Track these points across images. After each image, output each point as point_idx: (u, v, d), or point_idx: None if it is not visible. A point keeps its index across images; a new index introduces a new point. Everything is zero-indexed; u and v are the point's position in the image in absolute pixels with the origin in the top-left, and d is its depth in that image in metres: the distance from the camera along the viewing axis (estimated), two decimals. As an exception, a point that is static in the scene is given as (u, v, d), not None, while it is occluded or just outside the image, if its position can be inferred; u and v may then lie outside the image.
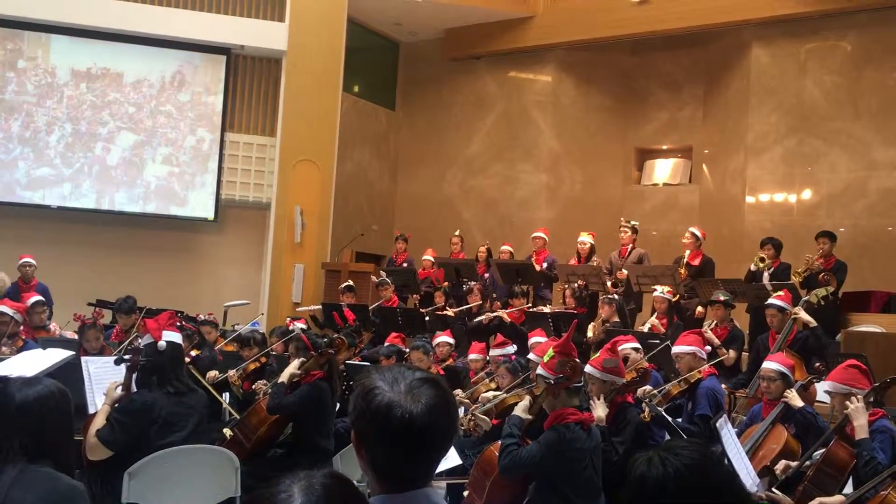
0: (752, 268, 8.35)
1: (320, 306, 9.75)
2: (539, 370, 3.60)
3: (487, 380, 6.32)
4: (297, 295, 11.41)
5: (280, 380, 4.90)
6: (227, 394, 6.73)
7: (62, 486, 2.21)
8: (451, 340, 7.75)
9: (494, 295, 9.67)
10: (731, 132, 11.66)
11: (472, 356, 7.13)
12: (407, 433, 1.59)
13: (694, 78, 12.41)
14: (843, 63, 10.77)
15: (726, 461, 3.47)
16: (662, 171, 12.80)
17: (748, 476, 3.49)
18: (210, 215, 11.67)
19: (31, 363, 4.71)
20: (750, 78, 11.30)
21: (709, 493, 1.44)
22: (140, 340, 4.76)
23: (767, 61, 11.22)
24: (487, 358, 6.97)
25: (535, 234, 10.08)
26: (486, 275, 10.12)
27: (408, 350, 7.18)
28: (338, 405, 5.54)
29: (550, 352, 3.53)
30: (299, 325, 7.59)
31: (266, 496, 1.29)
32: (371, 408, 1.62)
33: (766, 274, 8.35)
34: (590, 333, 7.99)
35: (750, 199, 11.19)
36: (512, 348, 6.87)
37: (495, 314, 8.76)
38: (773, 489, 3.63)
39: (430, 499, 1.66)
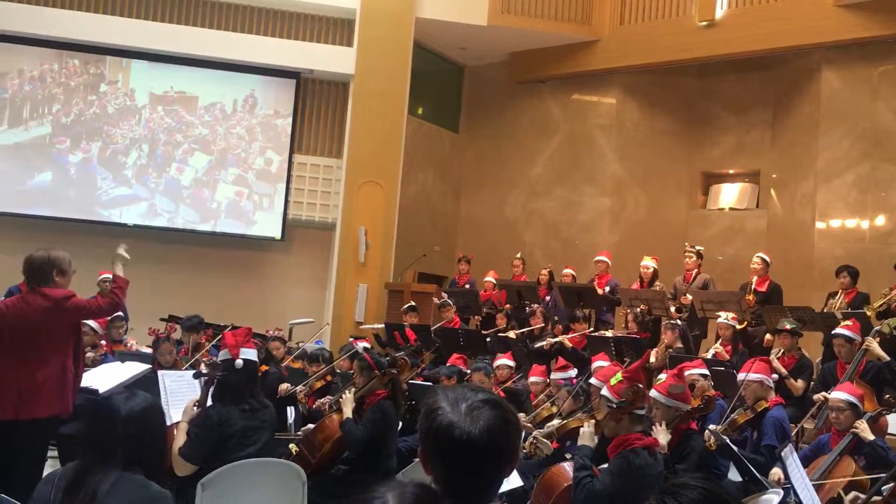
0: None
1: (383, 325, 9.88)
2: (604, 392, 3.61)
3: (548, 403, 6.32)
4: (360, 314, 11.57)
5: (346, 416, 4.99)
6: (293, 409, 6.89)
7: (151, 493, 2.34)
8: (512, 363, 7.77)
9: (556, 318, 9.65)
10: (801, 157, 11.44)
11: (532, 379, 7.15)
12: (465, 453, 1.65)
13: (762, 101, 12.24)
14: (918, 87, 10.51)
15: (792, 493, 3.43)
16: (729, 195, 12.62)
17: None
18: (277, 234, 11.97)
19: (110, 376, 4.92)
20: (820, 102, 11.09)
21: None
22: (218, 355, 4.92)
23: (838, 85, 11.01)
24: (548, 381, 6.98)
25: (597, 258, 10.05)
26: (548, 298, 10.12)
27: (469, 371, 7.24)
28: (400, 424, 5.62)
29: (619, 375, 3.55)
30: (362, 344, 7.72)
31: (362, 500, 1.34)
32: (433, 427, 1.70)
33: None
34: (652, 359, 7.91)
35: (820, 225, 10.95)
36: (573, 372, 6.87)
37: (556, 340, 8.73)
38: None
39: None
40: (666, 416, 4.02)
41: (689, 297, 8.76)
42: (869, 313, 7.48)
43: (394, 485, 1.38)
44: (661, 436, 3.89)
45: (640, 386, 3.49)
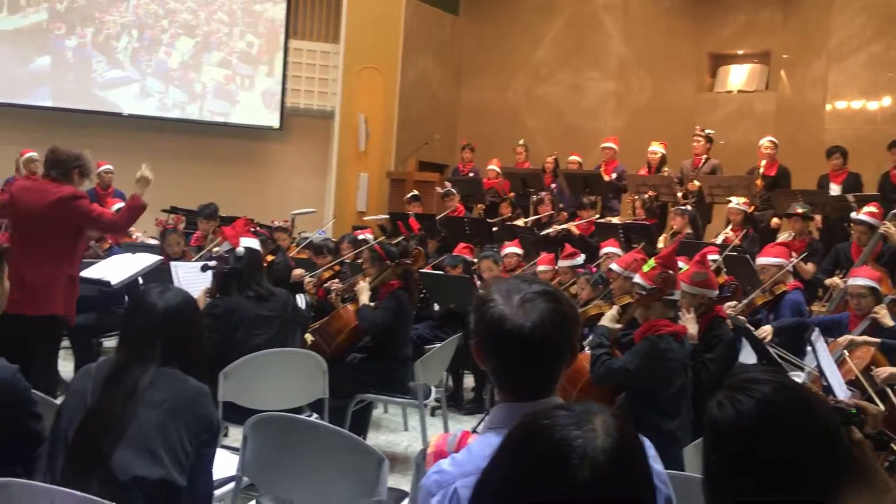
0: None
1: (388, 216, 9.79)
2: (637, 279, 3.57)
3: (560, 290, 6.28)
4: (362, 204, 11.47)
5: (361, 303, 4.95)
6: (302, 296, 6.87)
7: (190, 387, 2.29)
8: (520, 251, 7.72)
9: (561, 205, 9.57)
10: (813, 36, 11.10)
11: (540, 267, 7.09)
12: (516, 346, 1.59)
13: (775, -23, 11.78)
14: (940, -40, 10.09)
15: (821, 375, 3.44)
16: (737, 77, 12.32)
17: (840, 389, 3.46)
18: (275, 123, 11.72)
19: (121, 267, 4.86)
20: (836, -23, 10.68)
21: (788, 424, 1.38)
22: (220, 247, 4.86)
23: (856, -41, 10.57)
24: (556, 268, 6.95)
25: (604, 144, 9.87)
26: (553, 185, 10.00)
27: (476, 260, 7.20)
28: (413, 313, 5.60)
29: (652, 262, 3.49)
30: (365, 234, 7.63)
31: (562, 422, 1.19)
32: (484, 319, 1.63)
33: (832, 185, 8.16)
34: (660, 245, 7.88)
35: (830, 107, 10.74)
36: (580, 259, 6.83)
37: (563, 226, 8.66)
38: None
39: None
40: (692, 304, 3.98)
41: (697, 182, 8.65)
42: None
43: (594, 408, 1.22)
44: (690, 324, 3.86)
45: (672, 272, 3.44)
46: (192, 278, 4.68)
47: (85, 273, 4.82)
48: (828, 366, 3.45)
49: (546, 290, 1.66)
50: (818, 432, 1.39)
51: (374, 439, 5.27)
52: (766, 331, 4.55)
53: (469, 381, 6.41)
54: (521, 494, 1.17)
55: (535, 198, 9.28)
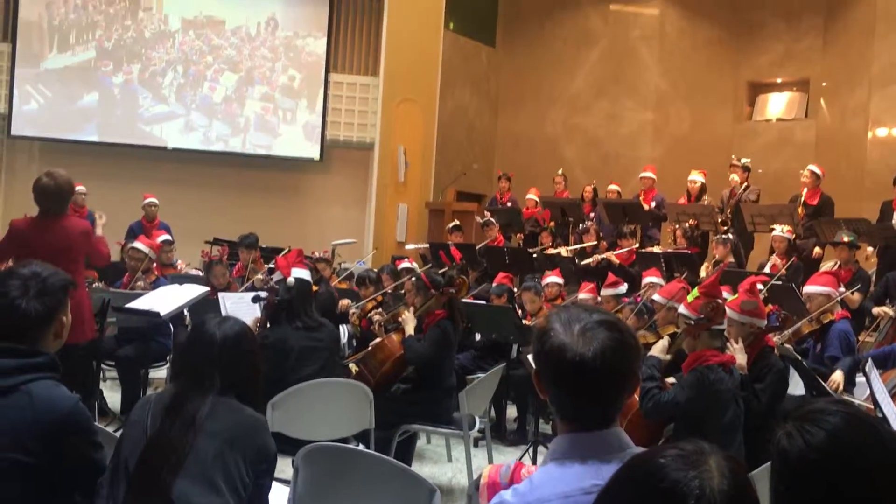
0: None
1: (427, 245, 9.83)
2: (682, 310, 3.54)
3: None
4: (402, 234, 11.54)
5: (408, 333, 4.95)
6: (344, 327, 6.92)
7: (247, 417, 2.32)
8: (561, 280, 7.70)
9: (601, 234, 9.54)
10: (854, 63, 11.00)
11: (582, 296, 7.07)
12: (578, 376, 1.58)
13: (813, 5, 11.72)
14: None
15: (875, 406, 3.38)
16: (776, 105, 12.24)
17: (895, 419, 3.39)
18: (316, 155, 11.90)
19: (170, 298, 4.94)
20: (876, 3, 10.58)
21: (859, 456, 1.36)
22: (271, 278, 4.93)
23: (896, -15, 10.49)
24: (598, 298, 6.92)
25: (643, 174, 9.85)
26: (592, 214, 9.98)
27: (517, 290, 7.19)
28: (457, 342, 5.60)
29: (695, 292, 3.47)
30: (406, 264, 7.68)
31: (681, 458, 1.16)
32: (545, 349, 1.63)
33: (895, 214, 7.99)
34: (703, 274, 7.81)
35: (872, 135, 10.61)
36: (623, 288, 6.79)
37: (603, 256, 8.63)
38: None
39: (617, 438, 1.64)
40: (740, 333, 3.93)
41: (737, 177, 8.70)
42: None
43: (706, 448, 1.19)
44: (739, 354, 3.81)
45: (719, 301, 3.41)
46: (240, 309, 4.74)
47: (134, 304, 4.92)
48: (882, 397, 3.39)
49: (607, 320, 1.66)
50: (890, 463, 1.37)
51: (418, 470, 5.21)
52: (836, 381, 4.46)
53: (512, 411, 6.38)
54: None
55: (581, 226, 9.27)
